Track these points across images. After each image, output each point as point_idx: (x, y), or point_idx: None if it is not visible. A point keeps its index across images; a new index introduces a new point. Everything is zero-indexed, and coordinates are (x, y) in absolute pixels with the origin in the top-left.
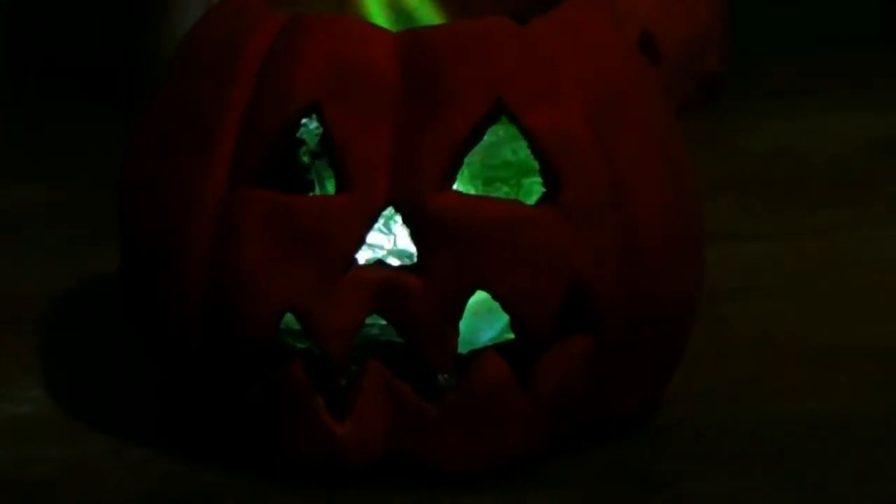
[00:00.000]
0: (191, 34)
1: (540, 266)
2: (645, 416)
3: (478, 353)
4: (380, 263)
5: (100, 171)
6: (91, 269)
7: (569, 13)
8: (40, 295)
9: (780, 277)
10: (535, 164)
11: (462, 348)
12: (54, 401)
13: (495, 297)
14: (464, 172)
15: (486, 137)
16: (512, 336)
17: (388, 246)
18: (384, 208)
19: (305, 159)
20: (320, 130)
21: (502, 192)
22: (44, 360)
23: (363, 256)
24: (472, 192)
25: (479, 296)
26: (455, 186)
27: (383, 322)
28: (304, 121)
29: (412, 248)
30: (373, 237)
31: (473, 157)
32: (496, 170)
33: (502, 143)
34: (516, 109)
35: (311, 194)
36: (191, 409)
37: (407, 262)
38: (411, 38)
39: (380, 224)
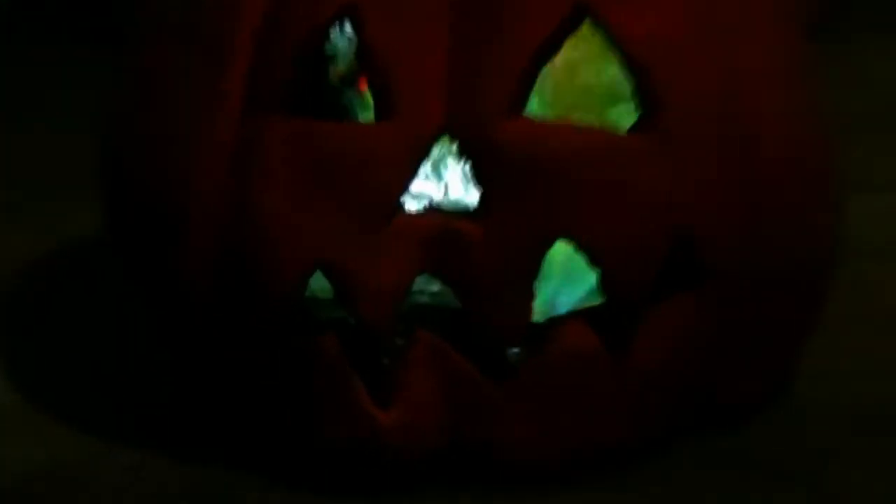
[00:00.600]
0: None
1: (636, 209)
2: (769, 398)
3: (557, 321)
4: (432, 210)
5: (66, 113)
6: (62, 232)
7: None
8: (2, 265)
9: None
10: (626, 88)
11: (538, 315)
12: (24, 394)
13: (580, 248)
14: (534, 99)
15: (563, 53)
16: (600, 300)
17: (439, 196)
18: (437, 139)
19: (336, 81)
20: (355, 42)
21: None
22: (9, 346)
23: (409, 208)
24: None
25: (560, 249)
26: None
27: (436, 287)
28: (334, 30)
29: (469, 199)
30: (418, 185)
31: (545, 81)
32: (576, 96)
33: (583, 63)
34: (602, 12)
35: (345, 122)
36: (200, 396)
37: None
38: None
39: (427, 167)
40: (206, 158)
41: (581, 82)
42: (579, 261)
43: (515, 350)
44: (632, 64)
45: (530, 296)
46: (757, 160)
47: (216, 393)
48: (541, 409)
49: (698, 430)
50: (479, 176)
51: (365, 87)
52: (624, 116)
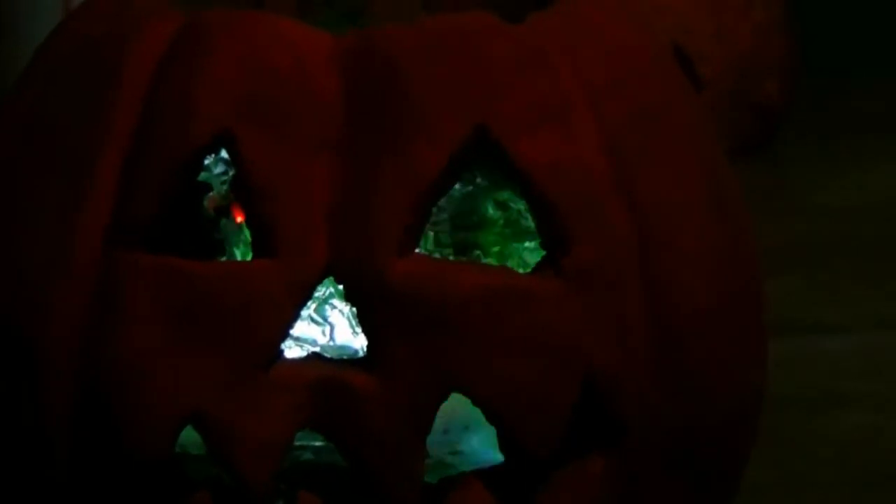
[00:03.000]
0: (50, 42)
1: (539, 357)
2: None
3: (453, 482)
4: (316, 357)
5: None
6: None
7: (577, 6)
8: None
9: (870, 380)
10: (530, 222)
11: (430, 476)
12: None
13: (477, 401)
14: (427, 236)
15: (457, 187)
16: (500, 458)
17: (323, 340)
18: (320, 280)
19: (211, 212)
20: (231, 172)
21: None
22: None
23: (290, 354)
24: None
25: (455, 401)
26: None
27: (320, 441)
28: (208, 158)
29: (356, 344)
30: (301, 329)
31: (440, 216)
32: (472, 232)
33: (481, 195)
34: (505, 138)
35: (219, 259)
36: None
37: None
38: (358, 43)
39: (310, 309)
40: (61, 295)
41: (478, 216)
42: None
43: None
44: (535, 196)
45: (422, 454)
46: (674, 306)
47: None
48: None
49: None
50: (367, 321)
51: (242, 219)
52: (530, 252)
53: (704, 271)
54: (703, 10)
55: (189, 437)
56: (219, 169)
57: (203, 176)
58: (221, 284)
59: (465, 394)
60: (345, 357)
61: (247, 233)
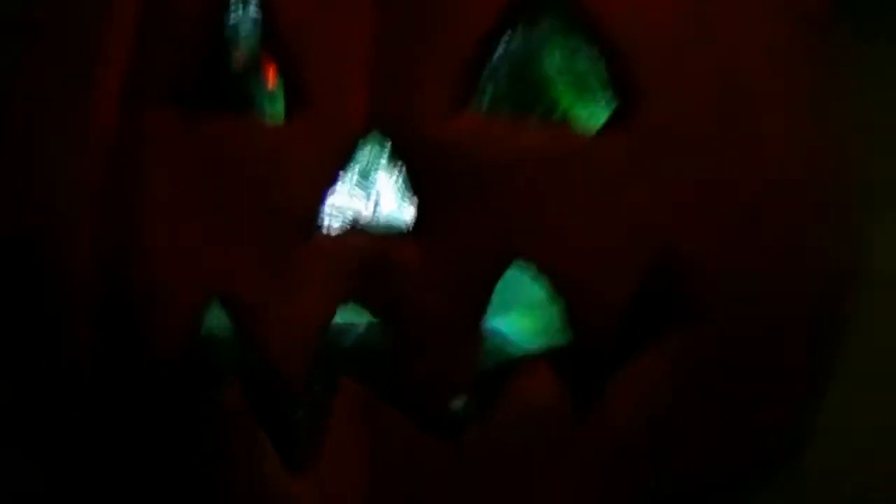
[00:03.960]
0: None
1: (608, 225)
2: (769, 470)
3: (513, 366)
4: (356, 229)
5: None
6: None
7: None
8: None
9: None
10: (596, 79)
11: (489, 358)
12: None
13: (540, 272)
14: (483, 91)
15: (518, 35)
16: (564, 340)
17: (367, 212)
18: (364, 139)
19: (239, 68)
20: (261, 21)
21: None
22: None
23: (329, 226)
24: None
25: (514, 275)
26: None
27: (362, 325)
28: (236, 7)
29: (404, 215)
30: (341, 200)
31: (498, 67)
32: (531, 90)
33: (546, 43)
34: None
35: (248, 116)
36: (74, 470)
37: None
38: None
39: (352, 175)
40: (79, 164)
41: (538, 72)
42: (533, 289)
43: (463, 400)
44: (606, 45)
45: (479, 334)
46: (760, 169)
47: (97, 469)
48: (491, 477)
49: None
50: (416, 186)
51: (273, 76)
52: (596, 111)
53: (796, 134)
54: None
55: (217, 320)
56: (248, 21)
57: (231, 26)
58: (250, 144)
59: (528, 263)
60: (392, 232)
61: (279, 91)
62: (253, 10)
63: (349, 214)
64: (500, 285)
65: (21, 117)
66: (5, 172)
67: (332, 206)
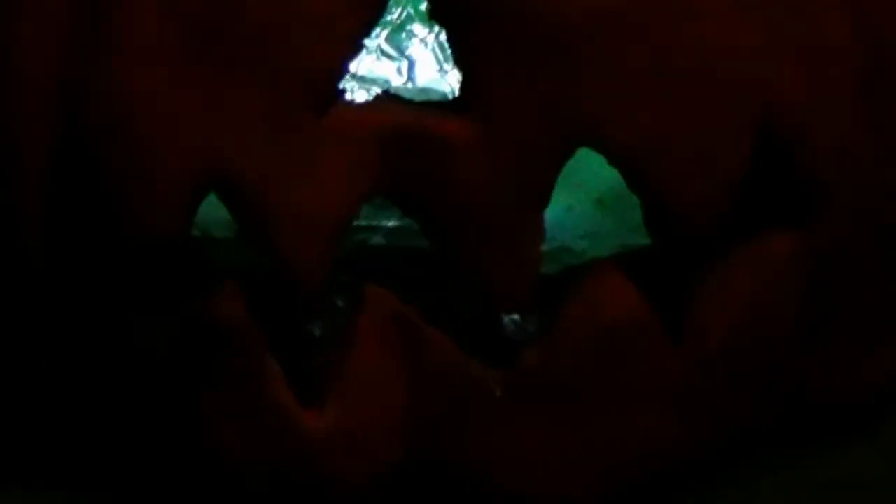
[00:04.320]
0: None
1: (700, 92)
2: (889, 398)
3: (581, 273)
4: (389, 99)
5: None
6: None
7: None
8: None
9: None
10: None
11: (551, 265)
12: None
13: (613, 155)
14: None
15: None
16: (645, 241)
17: (399, 81)
18: None
19: None
20: None
21: None
22: None
23: (354, 97)
24: None
25: (581, 161)
26: None
27: (394, 220)
28: None
29: (443, 87)
30: (369, 65)
31: None
32: None
33: None
34: None
35: None
36: (34, 401)
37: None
38: None
39: (380, 38)
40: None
41: None
42: (611, 180)
43: (518, 318)
44: None
45: (539, 233)
46: (884, 28)
47: (63, 410)
48: (558, 412)
49: (785, 443)
50: (462, 48)
51: None
52: None
53: None
54: None
55: (212, 212)
56: None
57: None
58: None
59: (599, 147)
60: (430, 102)
61: None
62: None
63: (378, 85)
64: (565, 172)
65: None
66: None
67: (357, 75)
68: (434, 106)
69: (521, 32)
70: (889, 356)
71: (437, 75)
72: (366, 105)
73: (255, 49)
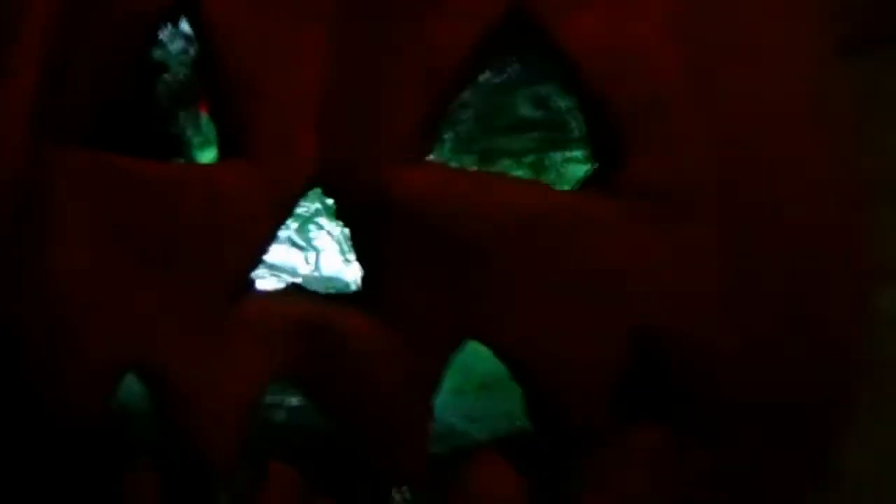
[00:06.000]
0: None
1: (585, 300)
2: None
3: (465, 455)
4: (296, 290)
5: None
6: None
7: None
8: None
9: None
10: (576, 126)
11: (439, 446)
12: None
13: (500, 353)
14: (445, 140)
15: (485, 78)
16: (525, 424)
17: (306, 270)
18: (306, 190)
19: (166, 100)
20: (194, 48)
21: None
22: None
23: (264, 286)
24: None
25: (471, 353)
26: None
27: (296, 399)
28: (164, 28)
29: (347, 276)
30: (279, 254)
31: (462, 113)
32: (502, 137)
33: (515, 89)
34: (546, 15)
35: (176, 161)
36: None
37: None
38: None
39: (290, 230)
40: None
41: (510, 117)
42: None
43: (407, 493)
44: (585, 89)
45: (428, 418)
46: (758, 237)
47: None
48: None
49: None
50: (364, 247)
51: (206, 111)
52: (574, 165)
53: (797, 202)
54: None
55: (131, 391)
56: (177, 45)
57: (157, 55)
58: (177, 191)
59: (486, 343)
60: (333, 291)
61: (212, 128)
62: (184, 40)
63: (287, 273)
64: (453, 362)
65: None
66: None
67: (268, 263)
68: (337, 298)
69: (417, 239)
70: None
71: (342, 265)
72: (275, 295)
73: (175, 245)
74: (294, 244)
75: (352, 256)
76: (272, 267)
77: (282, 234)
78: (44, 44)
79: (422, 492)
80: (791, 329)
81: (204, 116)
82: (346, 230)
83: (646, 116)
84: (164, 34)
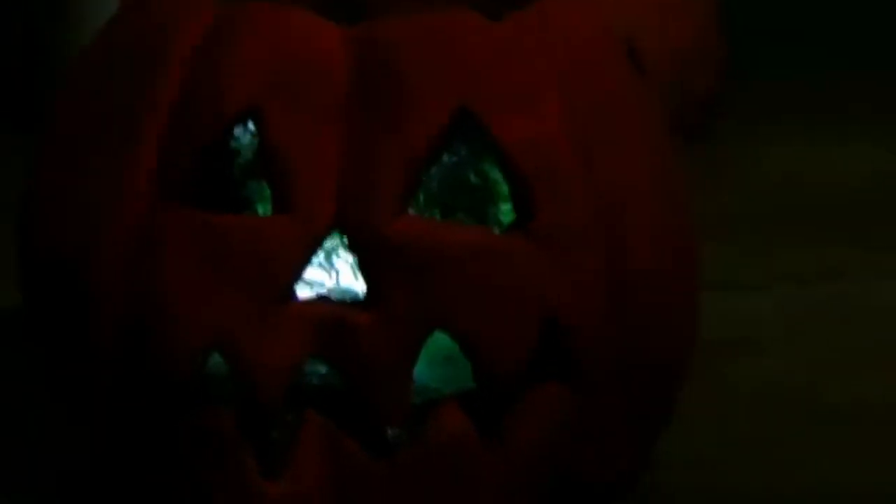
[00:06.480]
0: (105, 30)
1: (508, 302)
2: (629, 483)
3: (434, 404)
4: (323, 298)
5: None
6: None
7: (549, 7)
8: None
9: (784, 329)
10: (504, 190)
11: (417, 398)
12: None
13: (455, 336)
14: (419, 199)
15: (444, 158)
16: (473, 385)
17: (330, 284)
18: (329, 233)
19: (239, 174)
20: (256, 140)
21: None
22: None
23: (302, 294)
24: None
25: (439, 339)
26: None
27: (323, 370)
28: (238, 129)
29: (357, 287)
30: (312, 273)
31: (430, 182)
32: (457, 196)
33: (465, 164)
34: (484, 117)
35: (245, 214)
36: (108, 463)
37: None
38: (364, 33)
39: (320, 257)
40: (113, 237)
41: (462, 183)
42: (449, 346)
43: (396, 430)
44: (507, 167)
45: (410, 380)
46: (625, 262)
47: (126, 465)
48: (420, 487)
49: None
50: (366, 268)
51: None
52: (506, 215)
53: (651, 237)
54: (650, 9)
55: (216, 361)
56: (247, 138)
57: (234, 144)
58: (246, 235)
59: (447, 331)
60: (347, 299)
61: (267, 192)
62: (250, 134)
63: (317, 286)
64: (427, 344)
65: (74, 196)
66: (62, 234)
67: (304, 279)
68: (350, 303)
69: (401, 265)
70: (629, 454)
71: (354, 281)
72: (309, 300)
73: (244, 269)
74: (322, 266)
75: (359, 275)
76: (308, 282)
77: (314, 259)
78: (165, 123)
79: (405, 429)
80: (652, 320)
81: (263, 185)
82: (356, 258)
83: (548, 185)
84: (238, 130)
